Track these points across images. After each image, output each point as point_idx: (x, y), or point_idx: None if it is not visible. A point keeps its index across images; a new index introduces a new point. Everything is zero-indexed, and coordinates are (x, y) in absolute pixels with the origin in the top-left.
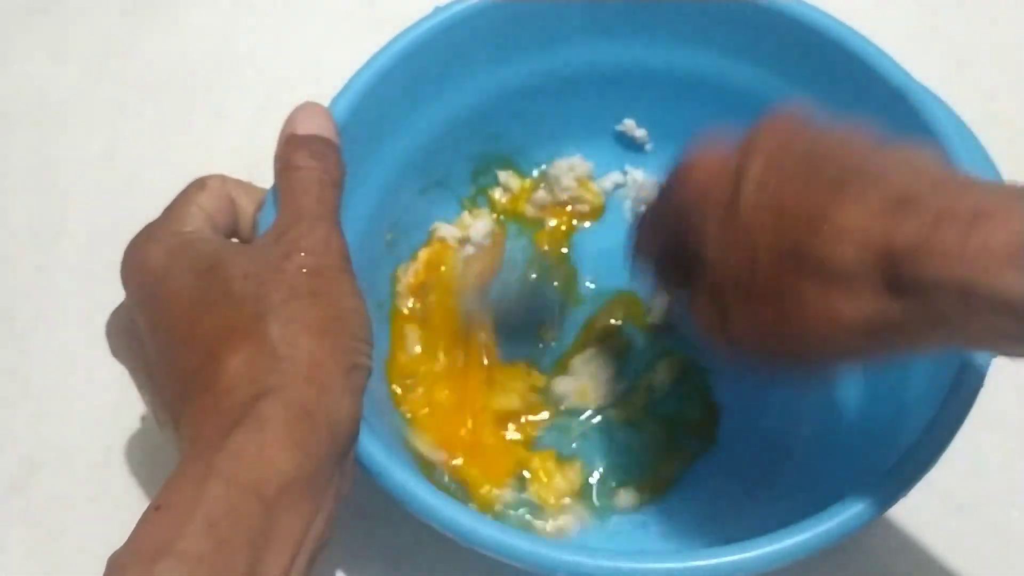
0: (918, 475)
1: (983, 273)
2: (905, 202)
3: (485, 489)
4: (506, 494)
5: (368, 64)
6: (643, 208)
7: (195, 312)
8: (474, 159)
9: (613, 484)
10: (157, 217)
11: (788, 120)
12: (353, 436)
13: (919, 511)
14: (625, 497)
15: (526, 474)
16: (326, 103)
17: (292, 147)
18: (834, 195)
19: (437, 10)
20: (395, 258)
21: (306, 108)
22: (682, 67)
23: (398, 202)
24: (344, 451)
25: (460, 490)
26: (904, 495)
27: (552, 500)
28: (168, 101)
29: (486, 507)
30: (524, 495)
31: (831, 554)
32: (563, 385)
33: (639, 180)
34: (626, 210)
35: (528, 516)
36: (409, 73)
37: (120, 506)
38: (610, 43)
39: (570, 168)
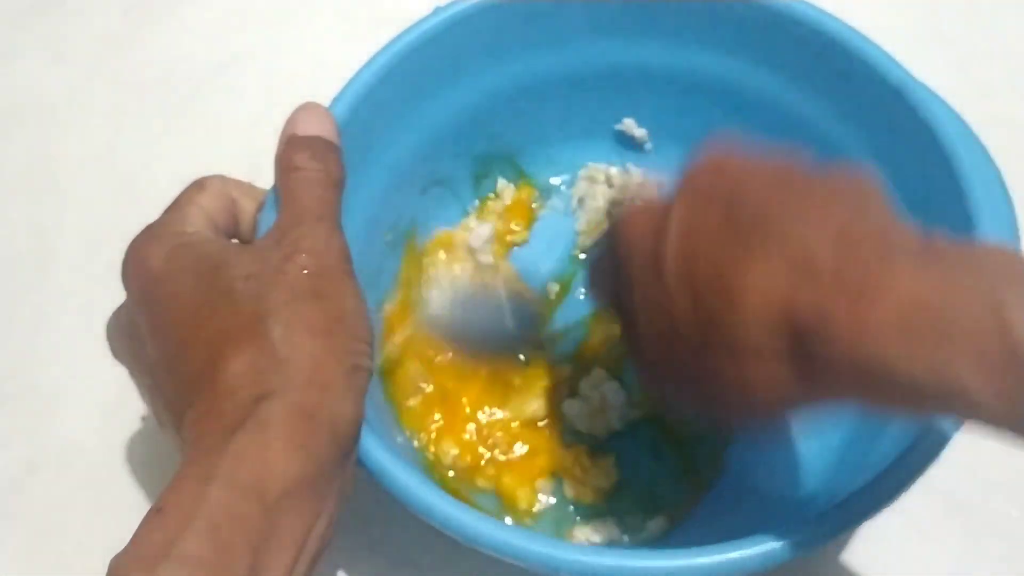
0: (906, 483)
1: (870, 348)
2: (804, 267)
3: (521, 500)
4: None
5: (368, 64)
6: (592, 248)
7: (196, 313)
8: (474, 159)
9: (640, 515)
10: (158, 218)
11: (710, 172)
12: (355, 437)
13: (919, 511)
14: (653, 525)
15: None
16: (326, 103)
17: (293, 148)
18: (738, 265)
19: (437, 10)
20: (396, 258)
21: (307, 109)
22: (682, 66)
23: (398, 202)
24: (346, 452)
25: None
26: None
27: (590, 498)
28: (168, 101)
29: (522, 516)
30: (558, 498)
31: (831, 554)
32: (573, 408)
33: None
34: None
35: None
36: (409, 73)
37: (120, 506)
38: (610, 43)
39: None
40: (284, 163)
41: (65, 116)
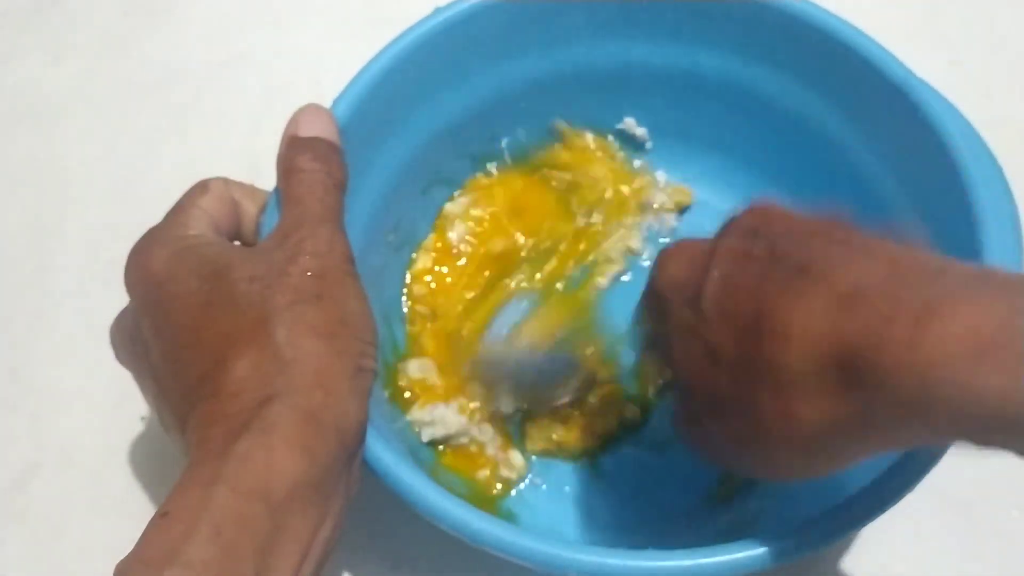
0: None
1: (934, 364)
2: (855, 298)
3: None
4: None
5: (369, 65)
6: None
7: (200, 316)
8: (474, 159)
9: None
10: (160, 221)
11: (754, 217)
12: (360, 439)
13: (919, 511)
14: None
15: None
16: (326, 104)
17: (295, 150)
18: (782, 297)
19: (438, 10)
20: (398, 258)
21: (308, 110)
22: (682, 65)
23: (400, 203)
24: (351, 454)
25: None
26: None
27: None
28: (168, 101)
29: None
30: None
31: (832, 554)
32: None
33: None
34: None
35: None
36: (410, 74)
37: (120, 506)
38: (610, 42)
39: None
40: (286, 165)
41: (65, 116)
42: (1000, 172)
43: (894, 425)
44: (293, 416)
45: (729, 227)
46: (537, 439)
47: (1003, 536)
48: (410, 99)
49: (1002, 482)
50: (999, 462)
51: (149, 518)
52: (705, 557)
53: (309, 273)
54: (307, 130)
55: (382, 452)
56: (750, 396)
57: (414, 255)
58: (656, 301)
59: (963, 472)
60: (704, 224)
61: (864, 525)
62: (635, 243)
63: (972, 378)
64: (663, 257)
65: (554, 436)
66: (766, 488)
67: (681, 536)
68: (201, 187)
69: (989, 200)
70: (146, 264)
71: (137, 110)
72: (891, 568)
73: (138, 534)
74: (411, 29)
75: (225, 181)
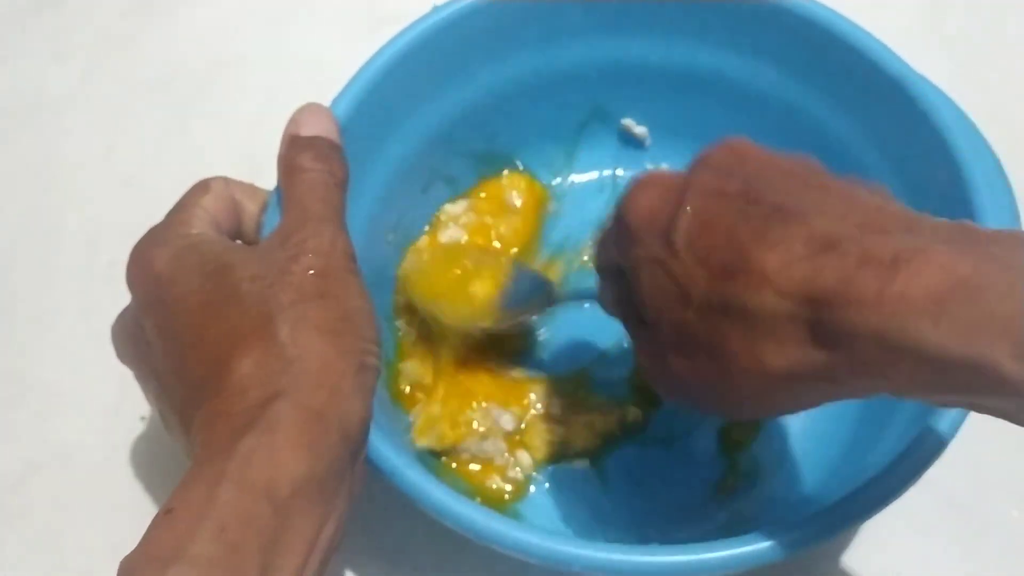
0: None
1: (899, 322)
2: (828, 245)
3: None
4: None
5: (368, 64)
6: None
7: (203, 315)
8: (475, 158)
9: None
10: (161, 220)
11: (728, 153)
12: (364, 436)
13: (919, 511)
14: None
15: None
16: (326, 103)
17: (296, 149)
18: (758, 239)
19: (436, 9)
20: (399, 258)
21: (309, 109)
22: (681, 63)
23: (399, 202)
24: (355, 452)
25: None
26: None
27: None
28: (168, 101)
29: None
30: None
31: (832, 553)
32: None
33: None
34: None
35: None
36: (409, 73)
37: (120, 506)
38: (609, 40)
39: None
40: (287, 164)
41: (65, 116)
42: (997, 162)
43: (855, 379)
44: (297, 414)
45: (702, 161)
46: (539, 446)
47: (1003, 536)
48: (410, 97)
49: (1002, 482)
50: (999, 462)
51: (149, 518)
52: (706, 552)
53: (312, 272)
54: (308, 129)
55: (386, 450)
56: (719, 334)
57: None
58: (624, 230)
59: (963, 472)
60: None
61: (864, 521)
62: None
63: (936, 327)
64: (634, 188)
65: (555, 438)
66: (767, 484)
67: (682, 531)
68: (202, 186)
69: (988, 194)
70: (148, 263)
71: (137, 110)
72: (890, 567)
73: (138, 534)
74: (410, 28)
75: (226, 180)
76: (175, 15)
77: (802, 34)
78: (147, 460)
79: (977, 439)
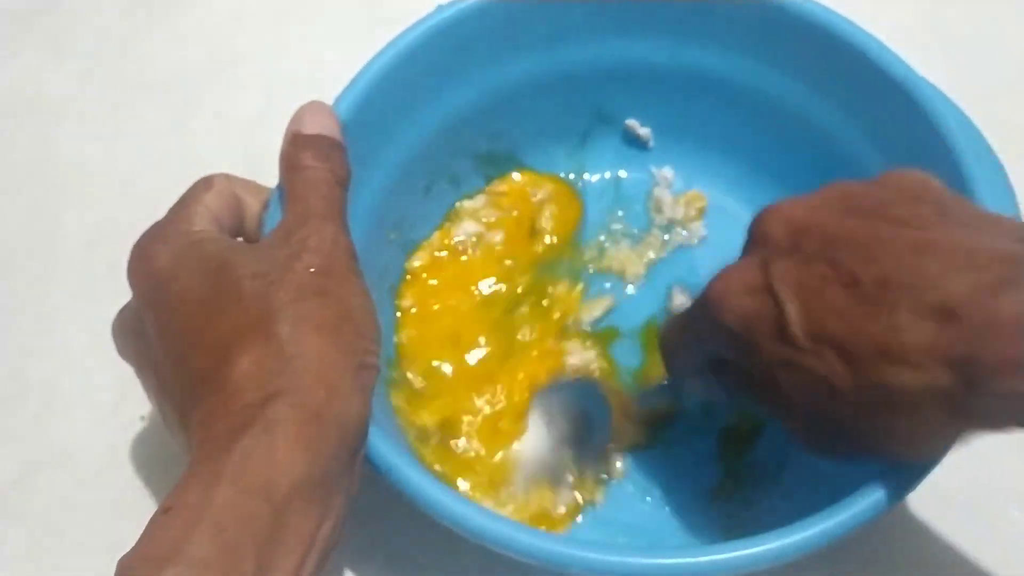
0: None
1: None
2: (946, 310)
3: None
4: None
5: (371, 63)
6: (667, 327)
7: (204, 312)
8: (477, 157)
9: None
10: (163, 217)
11: (785, 229)
12: (362, 436)
13: (919, 511)
14: None
15: None
16: (329, 101)
17: (298, 147)
18: (878, 322)
19: (439, 8)
20: (400, 257)
21: (311, 107)
22: (684, 64)
23: (401, 201)
24: (354, 451)
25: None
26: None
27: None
28: (168, 101)
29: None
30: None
31: (831, 553)
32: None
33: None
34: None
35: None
36: (412, 72)
37: (120, 506)
38: (612, 41)
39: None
40: (289, 162)
41: (65, 116)
42: (999, 166)
43: (1001, 419)
44: (296, 414)
45: (762, 245)
46: None
47: (1003, 536)
48: (412, 97)
49: (1002, 482)
50: (999, 462)
51: (149, 518)
52: (705, 555)
53: (312, 270)
54: (310, 127)
55: (386, 450)
56: (880, 421)
57: (414, 253)
58: (735, 341)
59: (963, 472)
60: (726, 230)
61: (864, 524)
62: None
63: None
64: (718, 293)
65: None
66: (766, 487)
67: (681, 535)
68: (204, 183)
69: (989, 194)
70: (149, 260)
71: (137, 110)
72: (890, 567)
73: (138, 534)
74: (413, 27)
75: (228, 177)
76: (175, 15)
77: (804, 36)
78: (147, 460)
79: (977, 439)
